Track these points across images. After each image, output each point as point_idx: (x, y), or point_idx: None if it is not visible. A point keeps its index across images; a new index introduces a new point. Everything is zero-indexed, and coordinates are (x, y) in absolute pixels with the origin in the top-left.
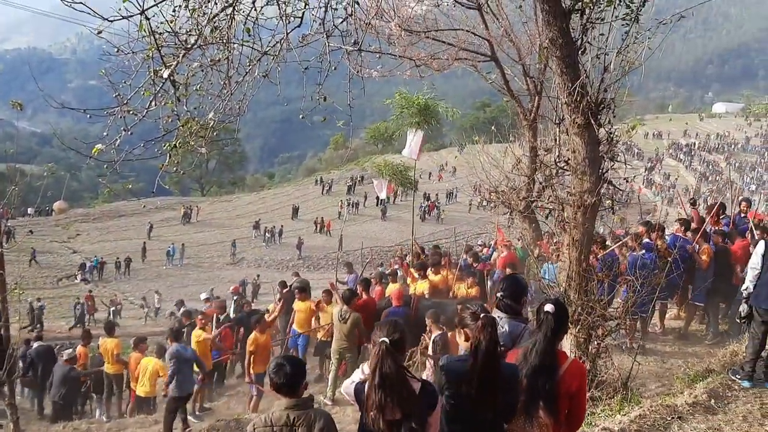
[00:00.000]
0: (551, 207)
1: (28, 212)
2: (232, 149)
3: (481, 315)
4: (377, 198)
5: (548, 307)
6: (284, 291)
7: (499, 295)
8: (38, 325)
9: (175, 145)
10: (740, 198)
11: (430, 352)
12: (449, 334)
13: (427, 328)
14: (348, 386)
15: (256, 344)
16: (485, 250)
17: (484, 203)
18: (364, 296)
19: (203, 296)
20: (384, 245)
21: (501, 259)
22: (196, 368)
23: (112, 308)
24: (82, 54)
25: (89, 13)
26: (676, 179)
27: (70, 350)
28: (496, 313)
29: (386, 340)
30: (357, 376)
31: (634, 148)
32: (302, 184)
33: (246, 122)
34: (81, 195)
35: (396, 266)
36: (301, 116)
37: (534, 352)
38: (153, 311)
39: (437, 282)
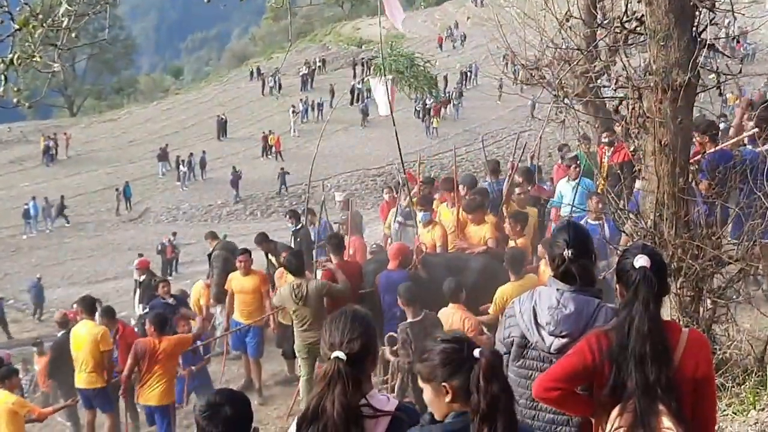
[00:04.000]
0: (622, 95)
1: None
2: (111, 35)
3: (480, 354)
4: (351, 93)
5: (642, 261)
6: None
7: (569, 254)
8: None
9: (11, 60)
10: None
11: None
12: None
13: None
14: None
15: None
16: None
17: (521, 84)
18: (335, 261)
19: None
20: (369, 167)
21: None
22: None
23: None
24: None
25: None
26: None
27: None
28: (555, 284)
29: (341, 355)
30: None
31: None
32: (229, 82)
33: None
34: None
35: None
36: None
37: (636, 334)
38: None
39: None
